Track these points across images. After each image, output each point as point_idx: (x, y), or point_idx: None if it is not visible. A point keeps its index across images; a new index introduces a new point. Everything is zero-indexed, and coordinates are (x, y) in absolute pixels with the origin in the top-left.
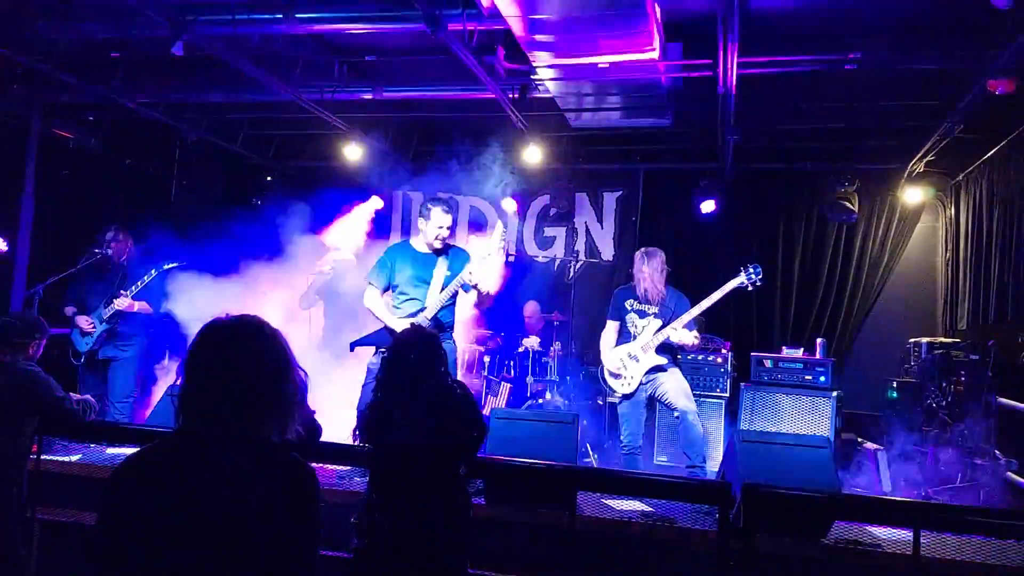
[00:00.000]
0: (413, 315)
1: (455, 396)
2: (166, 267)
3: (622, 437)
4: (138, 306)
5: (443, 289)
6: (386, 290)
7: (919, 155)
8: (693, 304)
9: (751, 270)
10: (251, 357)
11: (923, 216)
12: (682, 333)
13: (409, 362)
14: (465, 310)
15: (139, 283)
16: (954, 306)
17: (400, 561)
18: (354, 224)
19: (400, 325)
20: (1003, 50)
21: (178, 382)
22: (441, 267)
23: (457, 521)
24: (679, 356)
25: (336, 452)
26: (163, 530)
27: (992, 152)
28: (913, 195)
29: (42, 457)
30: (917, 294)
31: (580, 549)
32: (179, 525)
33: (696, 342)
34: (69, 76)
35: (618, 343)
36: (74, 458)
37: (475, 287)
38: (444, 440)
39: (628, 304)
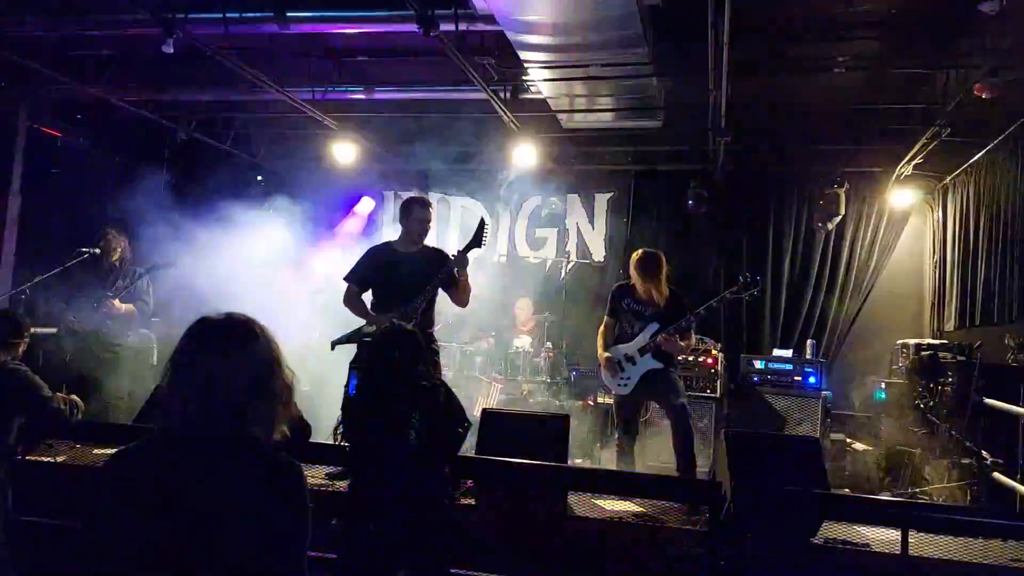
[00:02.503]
0: (393, 314)
1: (437, 393)
2: (155, 268)
3: (616, 437)
4: (125, 308)
5: (423, 288)
6: (365, 289)
7: (907, 158)
8: (690, 308)
9: (748, 278)
10: (239, 355)
11: (911, 218)
12: (680, 339)
13: (391, 359)
14: (447, 309)
15: (127, 284)
16: (941, 308)
17: (381, 562)
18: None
19: (379, 324)
20: (989, 54)
21: (165, 380)
22: (420, 267)
23: (439, 521)
24: (675, 358)
25: (327, 452)
26: (149, 529)
27: (979, 155)
28: (901, 198)
29: (27, 458)
30: (905, 296)
31: (571, 549)
32: (165, 523)
33: (691, 345)
34: (57, 73)
35: (615, 342)
36: (60, 458)
37: (454, 285)
38: (425, 438)
39: (625, 303)
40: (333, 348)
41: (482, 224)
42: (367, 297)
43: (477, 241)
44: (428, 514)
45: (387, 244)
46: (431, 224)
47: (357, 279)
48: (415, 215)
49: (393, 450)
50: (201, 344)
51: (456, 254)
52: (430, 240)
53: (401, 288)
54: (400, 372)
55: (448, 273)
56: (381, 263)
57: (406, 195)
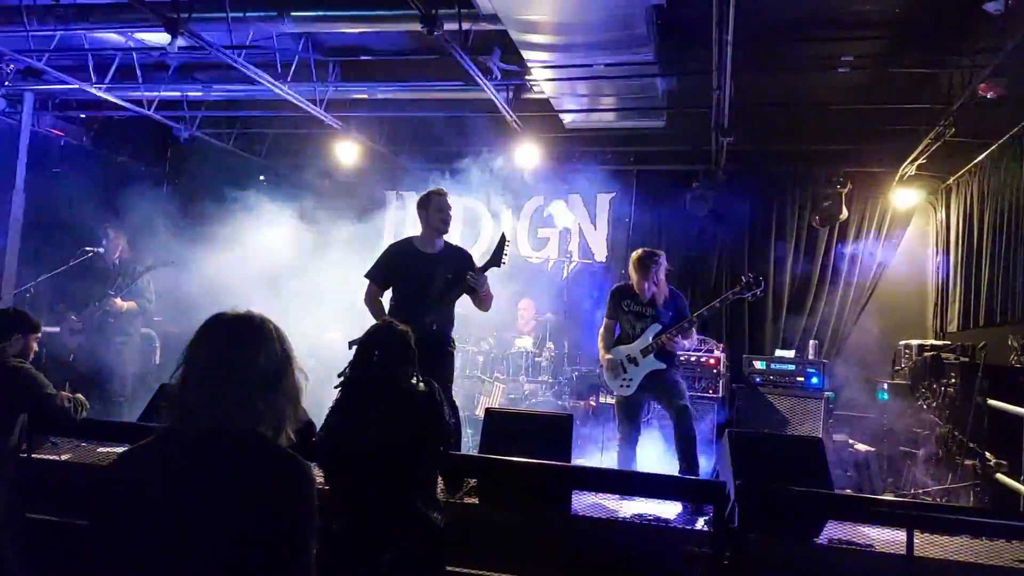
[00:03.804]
0: (412, 315)
1: (414, 396)
2: (155, 266)
3: (618, 437)
4: (127, 306)
5: (444, 289)
6: (385, 288)
7: (910, 158)
8: (692, 308)
9: (751, 278)
10: (252, 353)
11: (914, 219)
12: (682, 339)
13: (372, 359)
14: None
15: (128, 282)
16: (944, 308)
17: (350, 562)
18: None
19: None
20: (994, 54)
21: (176, 375)
22: (442, 267)
23: (421, 526)
24: (677, 358)
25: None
26: (158, 526)
27: (982, 156)
28: (904, 198)
29: (32, 456)
30: (907, 296)
31: (575, 548)
32: (175, 521)
33: (693, 344)
34: (61, 73)
35: (616, 343)
36: (64, 456)
37: (475, 293)
38: (398, 439)
39: (625, 305)
40: (351, 348)
41: (503, 241)
42: (391, 296)
43: (496, 259)
44: (405, 519)
45: (409, 241)
46: (450, 212)
47: (377, 278)
48: (434, 205)
49: (364, 449)
50: (215, 341)
51: (471, 274)
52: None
53: (422, 290)
54: (382, 371)
55: (468, 286)
56: (403, 262)
57: (408, 194)
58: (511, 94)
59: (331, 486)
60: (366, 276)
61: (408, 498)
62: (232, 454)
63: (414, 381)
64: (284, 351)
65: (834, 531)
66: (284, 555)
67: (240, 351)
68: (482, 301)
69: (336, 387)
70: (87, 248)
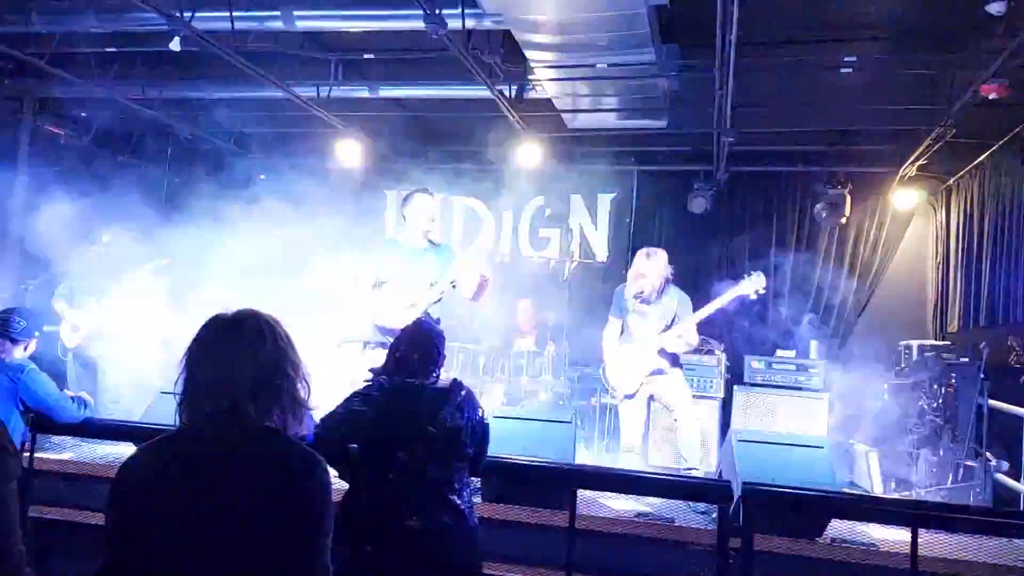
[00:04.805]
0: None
1: (420, 396)
2: (157, 266)
3: (622, 436)
4: (127, 304)
5: (432, 286)
6: (373, 288)
7: (911, 159)
8: (695, 305)
9: (754, 277)
10: (245, 353)
11: (914, 219)
12: (684, 338)
13: (389, 359)
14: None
15: (130, 281)
16: (944, 309)
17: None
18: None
19: (392, 320)
20: (996, 55)
21: (179, 379)
22: (429, 263)
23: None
24: (680, 357)
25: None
26: (176, 526)
27: (983, 156)
28: (905, 198)
29: (34, 455)
30: (908, 296)
31: (578, 548)
32: (191, 520)
33: (695, 344)
34: (62, 71)
35: (620, 342)
36: (65, 456)
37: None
38: (396, 444)
39: (630, 304)
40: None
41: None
42: (377, 295)
43: (450, 285)
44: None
45: (394, 240)
46: (435, 213)
47: (365, 278)
48: (415, 204)
49: (396, 456)
50: (213, 340)
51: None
52: (434, 238)
53: (409, 288)
54: (398, 371)
55: (458, 276)
56: (389, 262)
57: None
58: (513, 94)
59: (354, 495)
60: (353, 277)
61: (454, 495)
62: (242, 452)
63: (432, 380)
64: (279, 347)
65: (838, 530)
66: (300, 549)
67: (234, 352)
68: (476, 294)
69: (366, 381)
70: (89, 247)
